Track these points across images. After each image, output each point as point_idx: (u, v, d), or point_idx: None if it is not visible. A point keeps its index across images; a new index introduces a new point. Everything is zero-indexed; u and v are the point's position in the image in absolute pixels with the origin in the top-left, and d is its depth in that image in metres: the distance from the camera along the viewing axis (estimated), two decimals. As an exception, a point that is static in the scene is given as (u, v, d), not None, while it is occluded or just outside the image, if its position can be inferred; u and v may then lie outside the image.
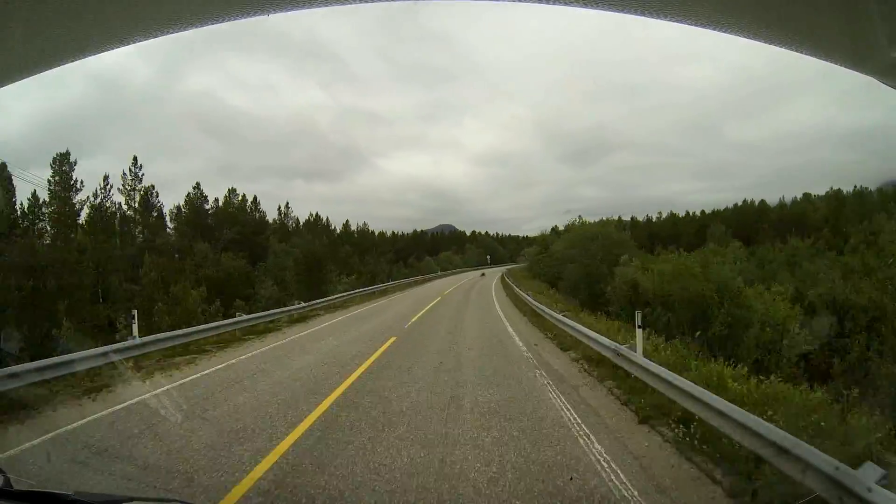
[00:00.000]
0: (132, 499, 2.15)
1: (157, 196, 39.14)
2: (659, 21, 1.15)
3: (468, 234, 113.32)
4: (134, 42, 1.17)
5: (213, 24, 1.19)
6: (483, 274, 52.53)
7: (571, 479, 3.71)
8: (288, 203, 62.22)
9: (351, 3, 1.19)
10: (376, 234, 72.50)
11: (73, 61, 1.15)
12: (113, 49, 1.16)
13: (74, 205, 31.91)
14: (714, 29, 1.17)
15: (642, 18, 1.13)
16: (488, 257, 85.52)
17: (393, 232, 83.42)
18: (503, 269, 62.37)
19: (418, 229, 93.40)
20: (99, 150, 69.66)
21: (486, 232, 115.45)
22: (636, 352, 6.32)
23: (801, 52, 1.15)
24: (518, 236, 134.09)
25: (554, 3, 1.13)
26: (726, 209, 72.91)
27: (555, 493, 3.48)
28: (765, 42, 1.10)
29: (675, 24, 1.14)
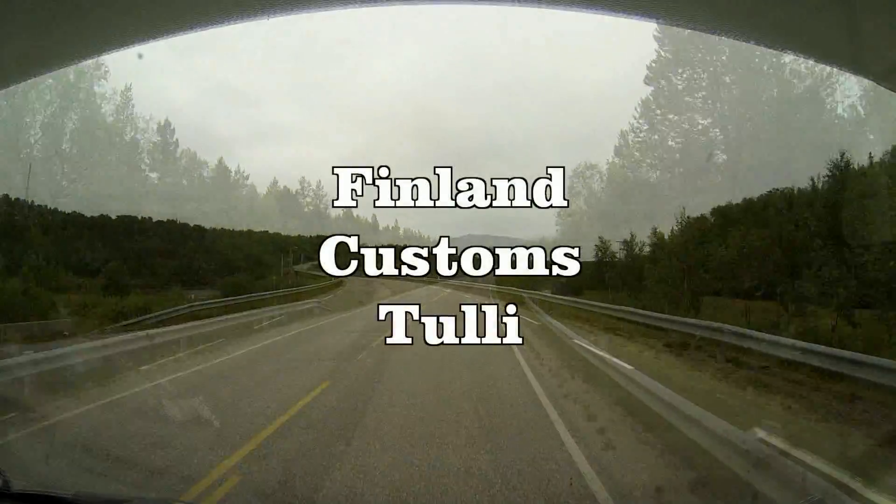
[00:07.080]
0: (132, 499, 2.16)
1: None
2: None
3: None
4: (134, 44, 1.16)
5: (213, 26, 1.18)
6: None
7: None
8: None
9: (353, 6, 1.19)
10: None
11: (74, 63, 1.14)
12: (113, 51, 1.15)
13: None
14: (714, 33, 1.17)
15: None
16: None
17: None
18: None
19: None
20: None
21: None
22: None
23: (803, 57, 1.15)
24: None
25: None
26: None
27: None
28: (767, 47, 1.10)
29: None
